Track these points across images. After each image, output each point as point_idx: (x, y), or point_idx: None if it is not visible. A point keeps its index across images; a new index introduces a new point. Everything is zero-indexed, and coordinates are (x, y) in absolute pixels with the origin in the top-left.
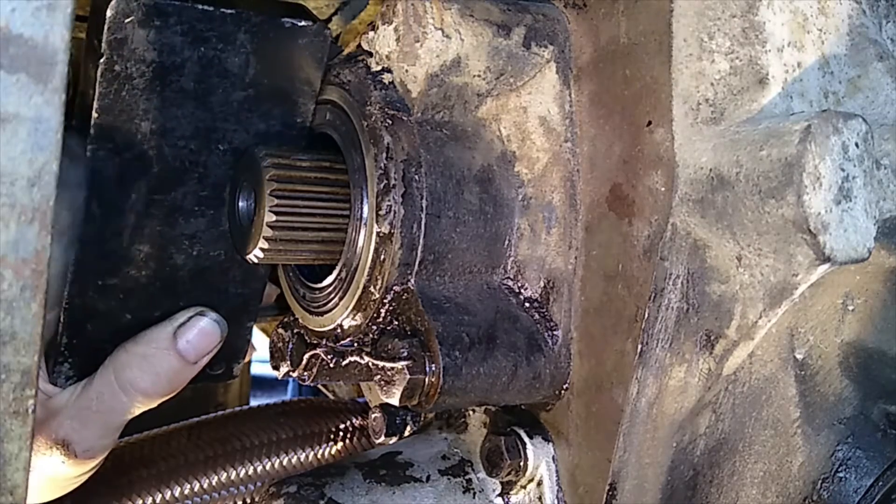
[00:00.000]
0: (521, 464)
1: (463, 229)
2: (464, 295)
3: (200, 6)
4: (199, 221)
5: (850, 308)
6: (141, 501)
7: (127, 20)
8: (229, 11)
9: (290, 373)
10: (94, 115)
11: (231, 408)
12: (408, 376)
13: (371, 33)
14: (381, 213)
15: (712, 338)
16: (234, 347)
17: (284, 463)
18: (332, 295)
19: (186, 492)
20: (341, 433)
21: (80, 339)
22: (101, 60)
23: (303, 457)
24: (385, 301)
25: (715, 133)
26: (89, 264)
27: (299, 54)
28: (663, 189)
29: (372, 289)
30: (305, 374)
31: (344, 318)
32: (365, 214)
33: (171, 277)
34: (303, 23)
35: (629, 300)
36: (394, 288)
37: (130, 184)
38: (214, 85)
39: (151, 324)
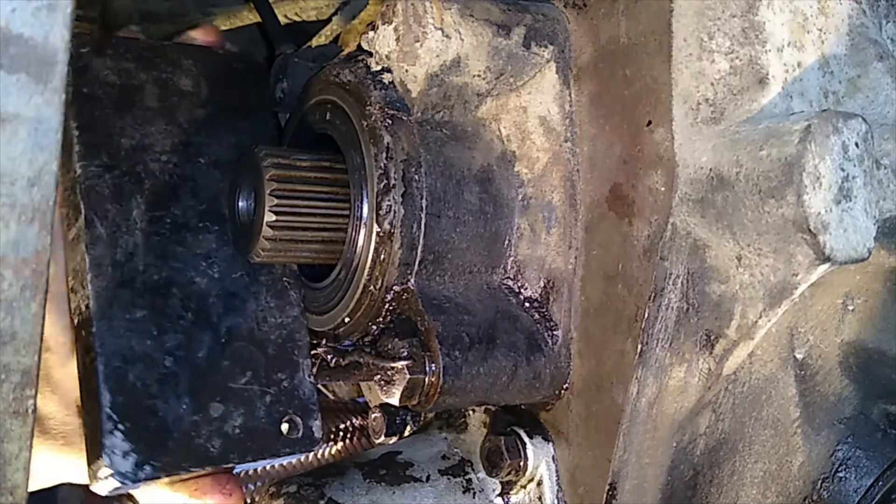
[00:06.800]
0: (521, 464)
1: (463, 229)
2: (464, 295)
3: (144, 39)
4: (208, 238)
5: (850, 308)
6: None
7: (83, 50)
8: (168, 43)
9: None
10: (76, 133)
11: None
12: (408, 376)
13: (371, 33)
14: (381, 212)
15: (712, 338)
16: (299, 397)
17: (284, 463)
18: (333, 295)
19: None
20: (341, 433)
21: (126, 395)
22: (70, 85)
23: (303, 457)
24: (385, 301)
25: (715, 133)
26: (110, 294)
27: (240, 77)
28: (663, 189)
29: (372, 288)
30: None
31: (344, 317)
32: (365, 214)
33: (201, 307)
34: (233, 50)
35: (629, 300)
36: (394, 288)
37: (128, 199)
38: (176, 103)
39: (197, 369)
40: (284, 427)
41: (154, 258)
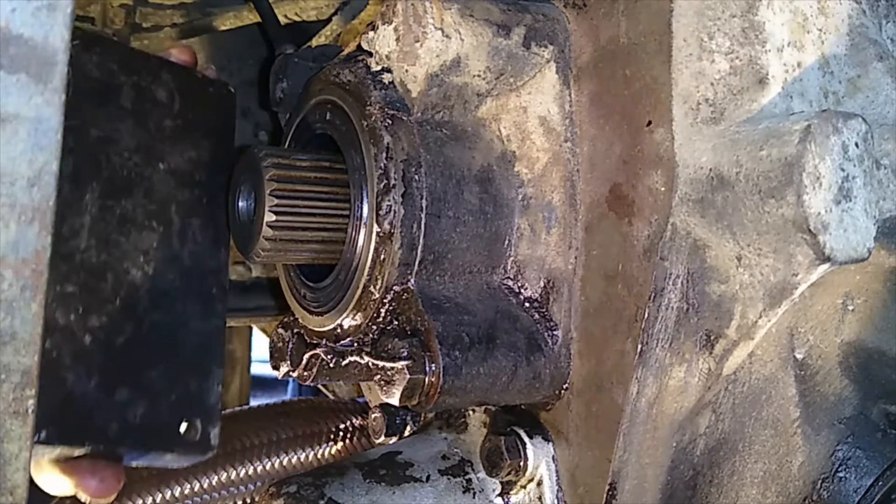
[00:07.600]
0: (521, 464)
1: (463, 229)
2: (464, 295)
3: (132, 46)
4: (151, 236)
5: (850, 308)
6: (141, 501)
7: (74, 42)
8: (154, 55)
9: (290, 373)
10: None
11: (231, 408)
12: (408, 376)
13: (371, 33)
14: (381, 212)
15: (712, 338)
16: (204, 403)
17: (284, 463)
18: (332, 295)
19: (186, 492)
20: (341, 433)
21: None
22: None
23: (303, 457)
24: (385, 301)
25: (715, 133)
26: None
27: (213, 100)
28: (663, 189)
29: (372, 289)
30: (305, 374)
31: (344, 317)
32: (365, 214)
33: (130, 297)
34: (212, 76)
35: (629, 300)
36: (394, 288)
37: (84, 183)
38: (148, 109)
39: (113, 353)
40: (183, 427)
41: (96, 242)
